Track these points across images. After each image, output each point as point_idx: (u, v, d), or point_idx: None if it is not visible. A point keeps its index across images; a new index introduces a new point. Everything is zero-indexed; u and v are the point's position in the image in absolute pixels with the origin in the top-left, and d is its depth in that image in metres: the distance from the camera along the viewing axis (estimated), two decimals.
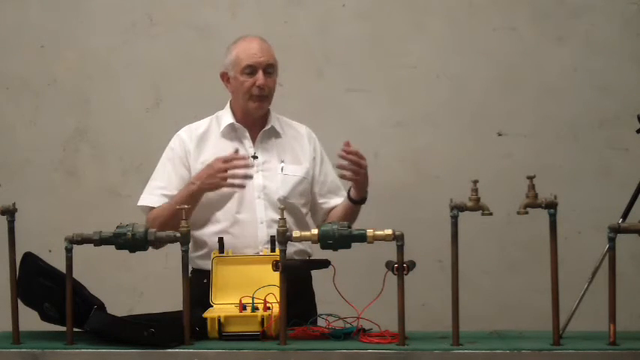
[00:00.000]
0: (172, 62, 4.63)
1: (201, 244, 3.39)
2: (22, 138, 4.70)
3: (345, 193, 3.52)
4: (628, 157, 4.45)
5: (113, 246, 2.81)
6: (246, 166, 3.29)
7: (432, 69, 4.58)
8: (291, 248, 3.28)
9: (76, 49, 4.68)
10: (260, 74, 3.38)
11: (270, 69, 3.41)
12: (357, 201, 3.45)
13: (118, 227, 2.81)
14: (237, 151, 3.36)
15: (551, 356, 2.66)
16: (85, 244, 2.82)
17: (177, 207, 2.91)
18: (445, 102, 4.57)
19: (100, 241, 2.80)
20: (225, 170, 3.26)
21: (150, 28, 4.66)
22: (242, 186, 3.29)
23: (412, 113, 4.58)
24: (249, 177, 3.30)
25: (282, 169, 3.45)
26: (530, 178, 2.73)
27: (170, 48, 4.63)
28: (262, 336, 2.82)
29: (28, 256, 2.97)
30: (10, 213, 2.85)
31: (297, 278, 3.25)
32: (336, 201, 3.54)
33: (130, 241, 2.78)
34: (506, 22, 4.56)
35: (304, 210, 3.50)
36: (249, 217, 3.38)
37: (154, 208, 3.40)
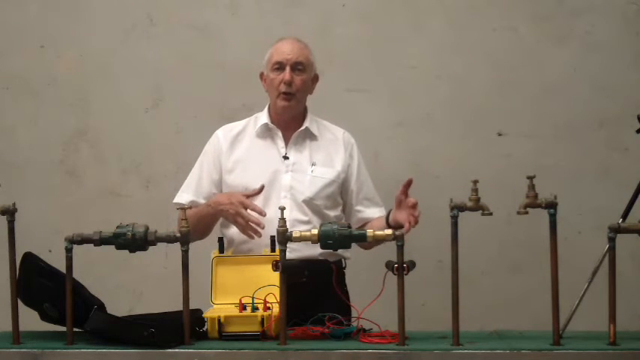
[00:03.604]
0: (172, 62, 4.63)
1: (230, 242, 3.41)
2: (22, 138, 4.69)
3: (380, 204, 3.50)
4: (628, 157, 4.45)
5: (113, 246, 2.81)
6: (258, 223, 3.26)
7: (432, 69, 4.58)
8: (317, 250, 3.22)
9: (76, 49, 4.68)
10: (287, 70, 3.40)
11: (299, 66, 3.42)
12: (394, 227, 3.24)
13: (118, 227, 2.81)
14: (262, 187, 3.37)
15: (551, 356, 2.66)
16: (85, 244, 2.82)
17: (177, 207, 2.93)
18: (445, 102, 4.57)
19: (100, 241, 2.80)
20: (244, 207, 3.27)
21: (150, 28, 4.65)
22: (252, 234, 3.27)
23: (412, 113, 4.58)
24: (258, 230, 3.27)
25: (312, 171, 3.45)
26: (530, 178, 2.73)
27: (170, 48, 4.63)
28: (262, 336, 2.82)
29: (28, 256, 2.97)
30: (10, 213, 2.85)
31: (326, 276, 3.24)
32: (373, 211, 3.49)
33: (130, 241, 2.78)
34: (506, 22, 4.56)
35: (332, 213, 3.45)
36: (273, 218, 3.35)
37: (183, 206, 3.15)
